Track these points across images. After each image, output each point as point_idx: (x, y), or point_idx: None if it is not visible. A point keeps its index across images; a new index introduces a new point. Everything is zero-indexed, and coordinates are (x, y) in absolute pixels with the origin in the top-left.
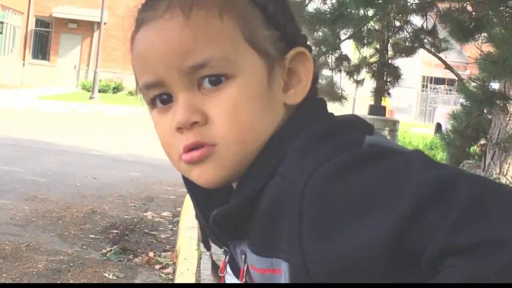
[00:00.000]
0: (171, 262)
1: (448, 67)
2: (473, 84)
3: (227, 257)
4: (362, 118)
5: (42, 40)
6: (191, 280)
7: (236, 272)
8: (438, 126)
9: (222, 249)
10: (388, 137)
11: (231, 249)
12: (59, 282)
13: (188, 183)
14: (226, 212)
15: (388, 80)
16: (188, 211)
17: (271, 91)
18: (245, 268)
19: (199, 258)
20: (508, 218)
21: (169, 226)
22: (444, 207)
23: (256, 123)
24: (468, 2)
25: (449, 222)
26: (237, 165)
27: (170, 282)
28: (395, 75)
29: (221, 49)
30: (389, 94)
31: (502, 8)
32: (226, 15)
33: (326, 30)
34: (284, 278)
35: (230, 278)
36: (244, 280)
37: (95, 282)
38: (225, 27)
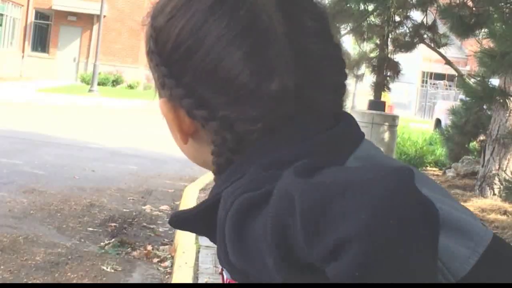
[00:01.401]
0: (169, 256)
1: (448, 62)
2: (473, 80)
3: None
4: (341, 140)
5: (42, 33)
6: (189, 273)
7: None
8: (438, 121)
9: None
10: (388, 132)
11: None
12: (56, 274)
13: None
14: (179, 215)
15: (388, 75)
16: (186, 204)
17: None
18: (227, 277)
19: (197, 252)
20: (345, 215)
21: (167, 219)
22: (293, 222)
23: (181, 148)
24: None
25: (301, 238)
26: (196, 163)
27: (168, 275)
28: (395, 70)
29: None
30: (389, 89)
31: (502, 4)
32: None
33: None
34: None
35: None
36: None
37: (93, 275)
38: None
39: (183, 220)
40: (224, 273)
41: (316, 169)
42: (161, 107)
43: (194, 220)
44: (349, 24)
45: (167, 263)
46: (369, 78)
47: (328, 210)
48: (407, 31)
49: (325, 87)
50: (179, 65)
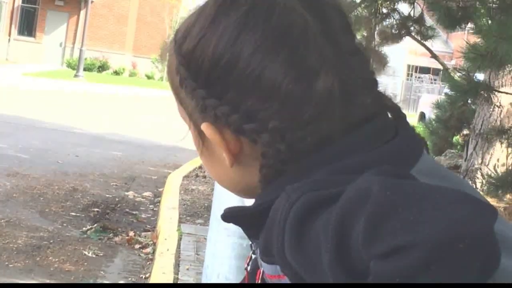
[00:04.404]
0: (151, 242)
1: (434, 55)
2: (458, 74)
3: (252, 253)
4: (405, 152)
5: (29, 17)
6: (171, 260)
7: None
8: (422, 115)
9: (250, 244)
10: None
11: (254, 247)
12: (38, 258)
13: None
14: (232, 211)
15: (374, 67)
16: (169, 191)
17: (212, 152)
18: (261, 271)
19: (179, 239)
20: (416, 222)
21: (150, 206)
22: (359, 217)
23: (215, 175)
24: None
25: (361, 233)
26: (236, 193)
27: (150, 261)
28: (382, 62)
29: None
30: None
31: None
32: (176, 97)
33: None
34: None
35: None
36: (259, 282)
37: (74, 259)
38: (179, 107)
39: (236, 217)
40: (262, 268)
41: (398, 176)
42: (206, 132)
43: (247, 218)
44: None
45: (149, 250)
46: None
47: (400, 213)
48: (394, 23)
49: (362, 85)
50: (220, 82)
